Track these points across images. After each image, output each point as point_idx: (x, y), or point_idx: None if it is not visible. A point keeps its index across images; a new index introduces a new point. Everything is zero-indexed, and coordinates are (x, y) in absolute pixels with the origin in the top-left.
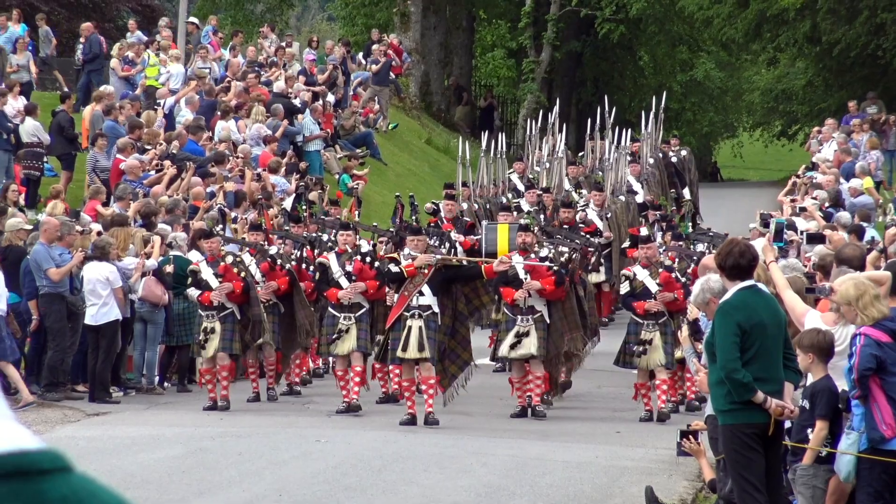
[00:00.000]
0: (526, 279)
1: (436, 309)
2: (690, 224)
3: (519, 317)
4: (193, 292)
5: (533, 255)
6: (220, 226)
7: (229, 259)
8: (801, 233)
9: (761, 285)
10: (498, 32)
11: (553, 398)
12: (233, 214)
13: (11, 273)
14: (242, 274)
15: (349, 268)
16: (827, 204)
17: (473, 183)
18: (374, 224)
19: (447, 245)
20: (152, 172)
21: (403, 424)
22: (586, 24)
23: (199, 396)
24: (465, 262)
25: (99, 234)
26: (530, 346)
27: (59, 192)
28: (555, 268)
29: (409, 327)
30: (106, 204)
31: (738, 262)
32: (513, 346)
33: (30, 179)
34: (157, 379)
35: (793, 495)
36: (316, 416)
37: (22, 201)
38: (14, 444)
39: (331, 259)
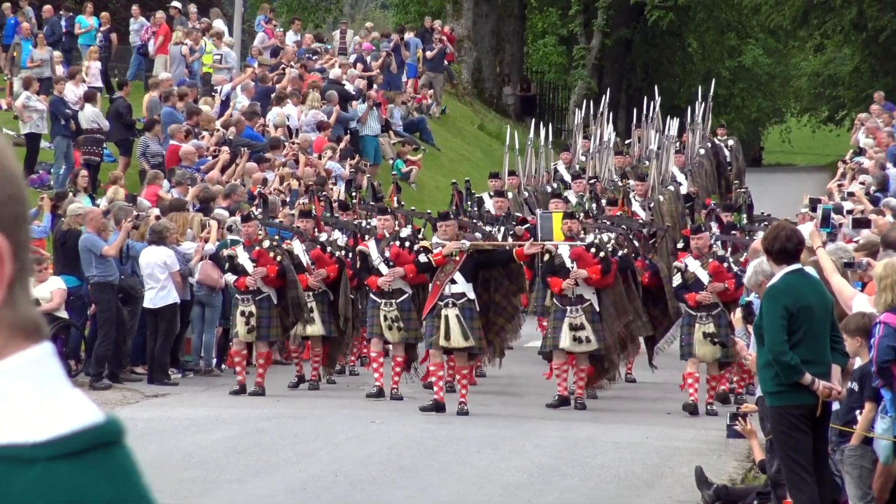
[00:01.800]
0: (573, 268)
1: (471, 296)
2: (746, 216)
3: (568, 307)
4: (230, 277)
5: (578, 243)
6: (259, 209)
7: (266, 243)
8: (847, 213)
9: (808, 268)
10: (549, 20)
11: (600, 387)
12: (289, 200)
13: (72, 257)
14: (278, 258)
15: (388, 253)
16: (874, 188)
17: (523, 173)
18: (412, 209)
19: (502, 232)
20: (209, 158)
21: (425, 410)
22: (636, 12)
23: (256, 378)
24: (497, 247)
25: (157, 218)
26: (593, 340)
27: (119, 178)
28: (601, 254)
29: (446, 316)
30: None
31: (785, 247)
32: (577, 340)
33: (90, 165)
34: (214, 361)
35: (839, 475)
36: (371, 398)
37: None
38: (92, 417)
39: (370, 246)
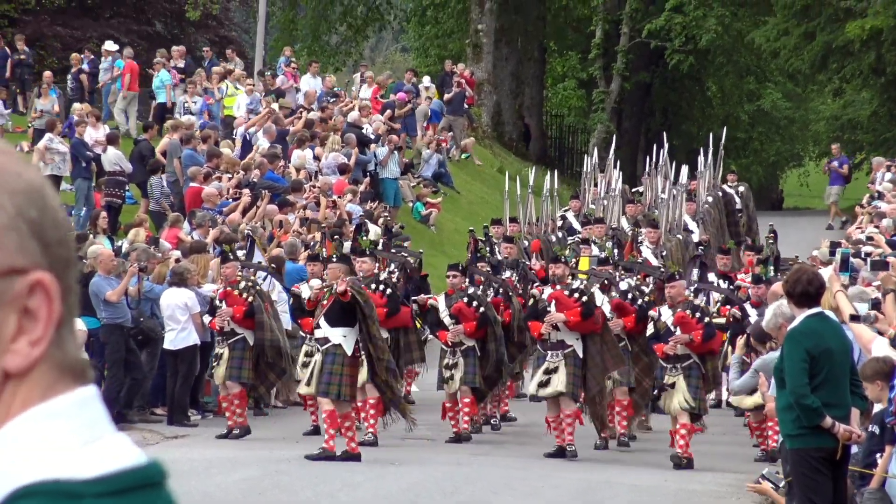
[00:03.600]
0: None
1: (336, 341)
2: (773, 267)
3: (549, 352)
4: (206, 318)
5: (559, 288)
6: (244, 251)
7: (242, 284)
8: (866, 256)
9: (828, 312)
10: (569, 63)
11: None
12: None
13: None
14: (250, 299)
15: None
16: (892, 232)
17: (523, 220)
18: (393, 250)
19: (521, 276)
20: (230, 200)
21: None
22: (656, 55)
23: (275, 420)
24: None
25: (178, 260)
26: (558, 383)
27: (144, 220)
28: (584, 299)
29: (315, 362)
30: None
31: (807, 290)
32: (541, 384)
33: (111, 207)
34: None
35: None
36: (390, 439)
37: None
38: (137, 458)
39: None
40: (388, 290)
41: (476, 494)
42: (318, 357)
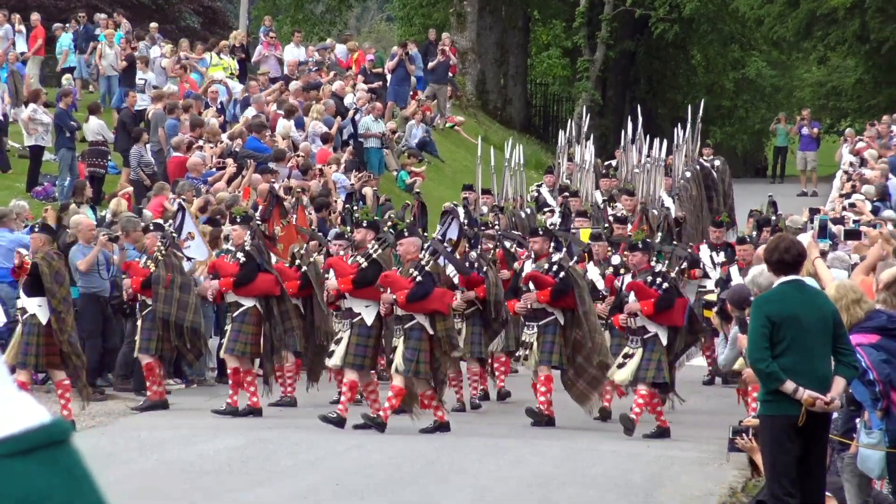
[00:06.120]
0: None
1: (32, 311)
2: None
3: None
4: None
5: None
6: (170, 222)
7: (156, 255)
8: (854, 223)
9: (809, 280)
10: (553, 32)
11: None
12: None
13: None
14: (151, 268)
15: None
16: (875, 198)
17: (498, 194)
18: (313, 228)
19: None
20: (214, 170)
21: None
22: (640, 24)
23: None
24: None
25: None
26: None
27: (127, 191)
28: (418, 277)
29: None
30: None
31: (784, 258)
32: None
33: (94, 177)
34: (213, 372)
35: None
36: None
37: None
38: (40, 417)
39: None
40: (243, 259)
41: (459, 462)
42: (18, 328)
